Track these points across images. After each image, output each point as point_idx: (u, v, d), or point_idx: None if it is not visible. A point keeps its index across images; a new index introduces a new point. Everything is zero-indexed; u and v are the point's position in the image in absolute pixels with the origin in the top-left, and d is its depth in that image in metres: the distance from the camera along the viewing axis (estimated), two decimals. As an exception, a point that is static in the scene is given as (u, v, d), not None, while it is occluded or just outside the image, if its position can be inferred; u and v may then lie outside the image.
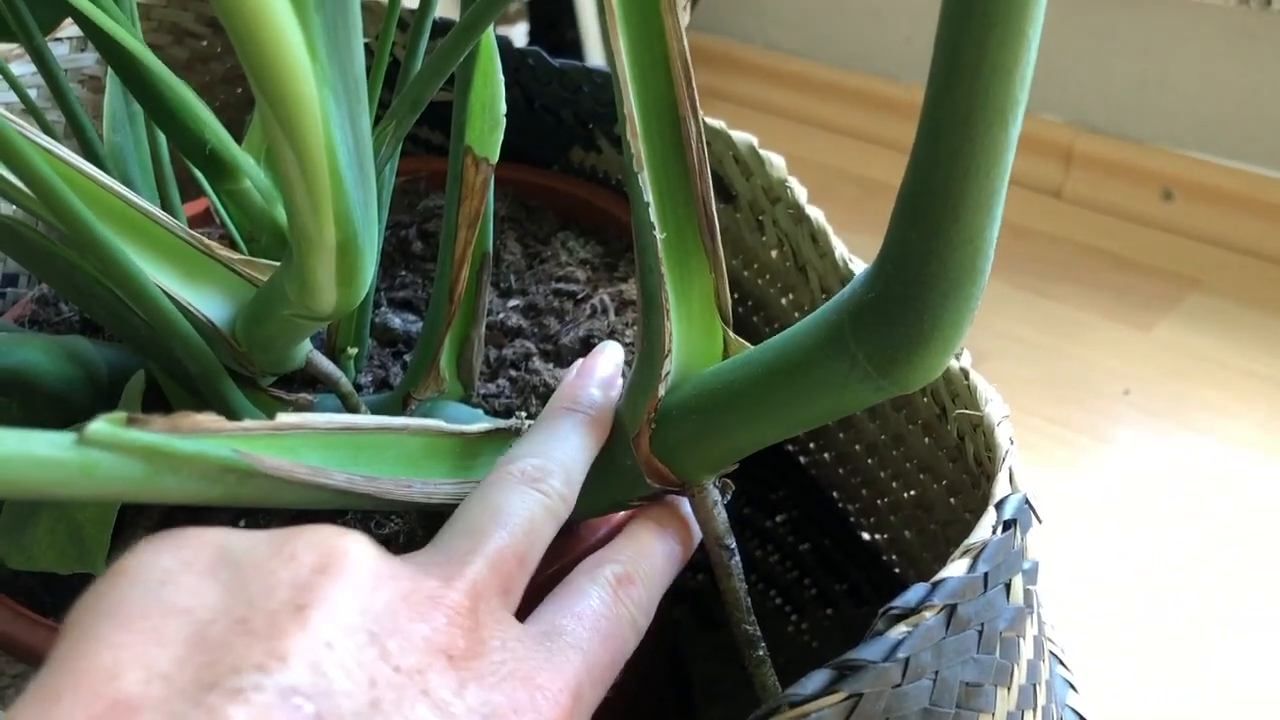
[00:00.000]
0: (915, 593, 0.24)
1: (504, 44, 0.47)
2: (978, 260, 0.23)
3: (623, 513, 0.33)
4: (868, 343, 0.24)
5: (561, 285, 0.40)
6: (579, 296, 0.39)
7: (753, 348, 0.28)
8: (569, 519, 0.33)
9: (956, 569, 0.24)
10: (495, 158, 0.31)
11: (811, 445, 0.49)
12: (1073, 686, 0.48)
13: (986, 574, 0.25)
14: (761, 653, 0.28)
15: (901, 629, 0.23)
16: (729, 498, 0.30)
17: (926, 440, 0.38)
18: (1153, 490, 0.66)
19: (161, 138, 0.41)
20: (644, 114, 0.26)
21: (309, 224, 0.24)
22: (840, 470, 0.47)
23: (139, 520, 0.34)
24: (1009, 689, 0.26)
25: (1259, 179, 0.83)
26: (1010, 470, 0.28)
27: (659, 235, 0.27)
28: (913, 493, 0.41)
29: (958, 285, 0.23)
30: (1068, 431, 0.71)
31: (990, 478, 0.28)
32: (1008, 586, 0.26)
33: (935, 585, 0.24)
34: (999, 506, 0.26)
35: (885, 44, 1.06)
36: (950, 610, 0.24)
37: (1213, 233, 0.86)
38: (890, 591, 0.49)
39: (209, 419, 0.20)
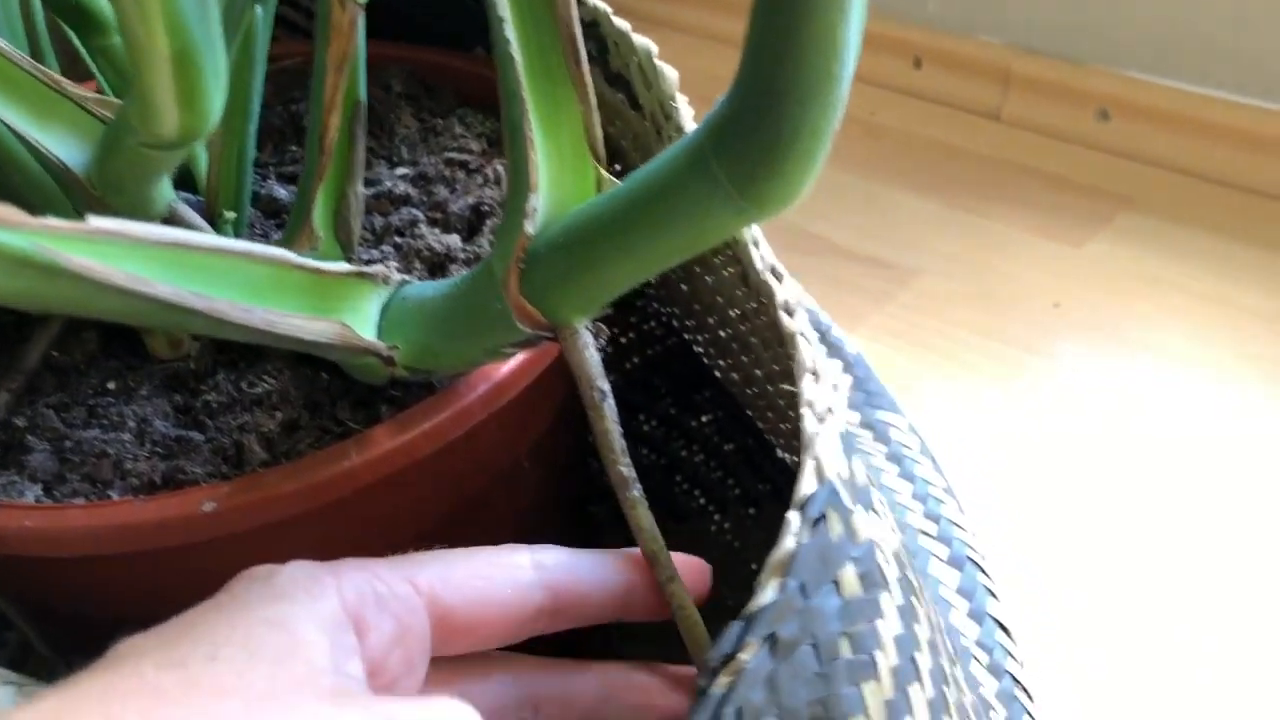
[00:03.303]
0: (731, 634, 0.22)
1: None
2: (832, 64, 0.22)
3: (506, 367, 0.32)
4: (728, 161, 0.23)
5: (454, 155, 0.39)
6: (471, 167, 0.38)
7: (620, 182, 0.27)
8: (442, 376, 0.32)
9: (768, 594, 0.22)
10: (363, -4, 0.30)
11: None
12: (993, 594, 0.48)
13: (803, 584, 0.23)
14: (637, 493, 0.28)
15: (723, 682, 0.21)
16: (602, 341, 0.29)
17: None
18: (1083, 401, 0.66)
19: (38, 5, 0.40)
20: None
21: (137, 27, 0.23)
22: (749, 391, 0.46)
23: (2, 384, 0.33)
24: (877, 679, 0.25)
25: (1192, 96, 0.83)
26: (818, 461, 0.25)
27: (516, 55, 0.25)
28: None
29: (814, 91, 0.22)
30: (997, 344, 0.71)
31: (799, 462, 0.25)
32: (836, 583, 0.24)
33: (749, 620, 0.22)
34: (803, 508, 0.24)
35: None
36: (771, 640, 0.22)
37: (1147, 151, 0.86)
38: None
39: (5, 209, 0.19)
